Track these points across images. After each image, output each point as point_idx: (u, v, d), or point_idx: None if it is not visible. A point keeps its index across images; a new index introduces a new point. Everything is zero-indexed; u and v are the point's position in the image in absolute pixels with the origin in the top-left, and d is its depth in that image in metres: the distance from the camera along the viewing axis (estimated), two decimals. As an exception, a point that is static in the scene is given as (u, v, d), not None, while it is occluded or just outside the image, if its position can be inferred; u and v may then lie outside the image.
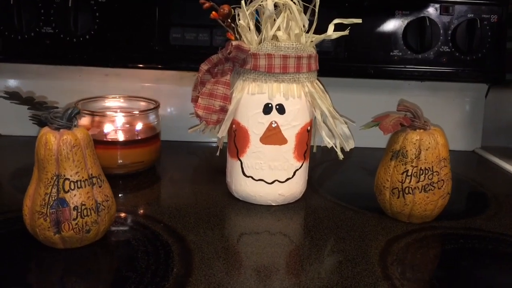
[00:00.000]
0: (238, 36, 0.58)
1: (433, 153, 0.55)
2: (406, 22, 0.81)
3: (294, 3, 0.56)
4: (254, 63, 0.56)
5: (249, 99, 0.57)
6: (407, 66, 0.82)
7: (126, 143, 0.68)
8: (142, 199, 0.63)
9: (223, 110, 0.58)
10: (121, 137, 0.68)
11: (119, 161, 0.67)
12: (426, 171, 0.56)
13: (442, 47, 0.82)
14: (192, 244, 0.50)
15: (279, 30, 0.56)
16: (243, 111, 0.58)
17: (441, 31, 0.81)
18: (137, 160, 0.68)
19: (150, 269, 0.45)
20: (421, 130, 0.57)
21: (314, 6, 0.57)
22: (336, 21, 0.57)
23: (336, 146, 0.60)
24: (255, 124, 0.58)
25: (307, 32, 0.58)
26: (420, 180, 0.56)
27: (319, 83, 0.60)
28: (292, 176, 0.60)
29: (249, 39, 0.57)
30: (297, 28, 0.55)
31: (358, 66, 0.82)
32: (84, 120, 0.67)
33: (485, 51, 0.82)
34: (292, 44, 0.56)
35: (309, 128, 0.60)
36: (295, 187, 0.61)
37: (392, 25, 0.81)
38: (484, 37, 0.81)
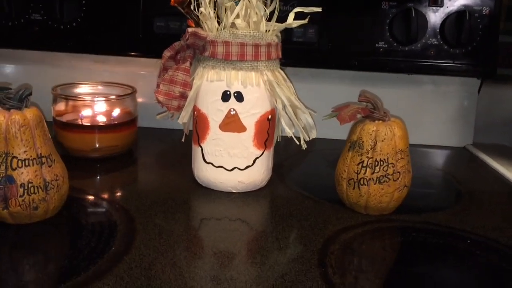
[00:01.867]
0: (201, 24, 0.58)
1: (388, 144, 0.55)
2: (392, 13, 0.79)
3: (254, -9, 0.56)
4: (212, 50, 0.56)
5: (208, 86, 0.58)
6: (392, 58, 0.81)
7: (101, 127, 0.70)
8: (108, 182, 0.64)
9: (183, 96, 0.59)
10: (96, 121, 0.70)
11: (95, 145, 0.69)
12: (381, 163, 0.55)
13: (430, 39, 0.80)
14: (139, 225, 0.51)
15: (238, 17, 0.56)
16: (203, 98, 0.59)
17: (429, 23, 0.79)
18: (112, 144, 0.70)
19: (90, 246, 0.47)
20: (380, 122, 0.56)
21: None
22: (297, 9, 0.57)
23: (294, 136, 0.60)
24: (214, 111, 0.58)
25: (269, 20, 0.58)
26: (375, 171, 0.55)
27: (281, 72, 0.60)
28: (252, 164, 0.60)
29: (210, 27, 0.57)
30: (255, 16, 0.55)
31: (342, 58, 0.81)
32: (60, 105, 0.69)
33: (475, 44, 0.80)
34: (250, 32, 0.56)
35: (269, 117, 0.60)
36: (256, 175, 0.61)
37: (377, 16, 0.79)
38: (475, 30, 0.79)
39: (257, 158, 0.60)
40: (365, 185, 0.55)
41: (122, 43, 0.81)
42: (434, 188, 0.70)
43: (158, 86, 0.61)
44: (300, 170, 0.73)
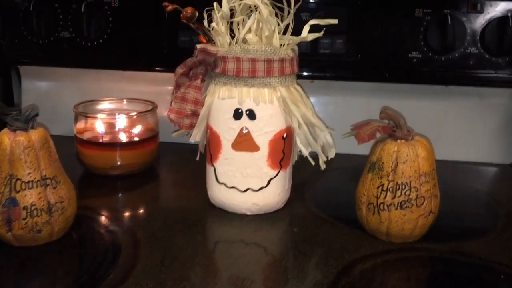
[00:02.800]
0: (213, 39, 0.56)
1: (411, 166, 0.50)
2: (427, 20, 0.74)
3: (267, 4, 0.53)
4: (223, 67, 0.54)
5: (220, 104, 0.56)
6: (428, 69, 0.75)
7: (122, 145, 0.69)
8: (122, 201, 0.63)
9: (195, 114, 0.57)
10: (116, 138, 0.69)
11: (116, 163, 0.68)
12: (403, 187, 0.50)
13: (469, 48, 0.74)
14: (144, 250, 0.50)
15: (250, 32, 0.54)
16: (215, 116, 0.57)
17: (467, 31, 0.73)
18: (133, 162, 0.69)
19: (88, 272, 0.45)
20: (402, 141, 0.51)
21: (290, 7, 0.54)
22: (312, 22, 0.54)
23: (309, 156, 0.56)
24: (226, 129, 0.56)
25: (285, 33, 0.55)
26: (396, 196, 0.50)
27: (298, 88, 0.57)
28: (267, 185, 0.57)
29: (222, 42, 0.55)
30: (267, 30, 0.53)
31: (372, 69, 0.77)
32: (81, 122, 0.69)
33: (520, 52, 0.73)
34: (262, 47, 0.53)
35: (285, 135, 0.57)
36: (271, 197, 0.58)
37: (410, 23, 0.74)
38: (519, 37, 0.72)
39: (271, 178, 0.57)
40: (386, 210, 0.51)
41: (147, 59, 0.80)
42: (468, 211, 0.64)
43: (170, 103, 0.59)
44: (321, 189, 0.69)
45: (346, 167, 0.74)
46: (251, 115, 0.55)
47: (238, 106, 0.55)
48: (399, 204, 0.50)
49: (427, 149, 0.51)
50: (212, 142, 0.58)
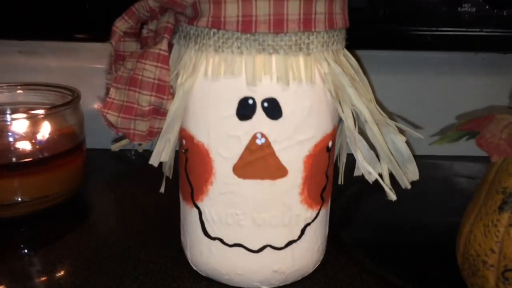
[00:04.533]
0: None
1: None
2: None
3: None
4: (215, 14, 0.27)
5: (208, 89, 0.28)
6: (483, 30, 0.52)
7: (23, 166, 0.40)
8: (27, 268, 0.34)
9: (158, 111, 0.29)
10: (11, 153, 0.40)
11: (13, 197, 0.39)
12: None
13: (542, -3, 0.51)
14: None
15: None
16: (199, 114, 0.29)
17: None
18: (43, 194, 0.40)
19: None
20: None
21: None
22: None
23: (383, 179, 0.31)
24: (222, 139, 0.29)
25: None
26: None
27: (349, 56, 0.31)
28: (299, 237, 0.31)
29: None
30: None
31: (406, 31, 0.52)
32: None
33: None
34: (294, -31, 0.26)
35: (330, 144, 0.31)
36: (305, 257, 0.32)
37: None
38: None
39: (307, 224, 0.31)
40: (548, 284, 0.27)
41: (57, 21, 0.50)
42: None
43: (107, 92, 0.31)
44: (375, 222, 0.43)
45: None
46: (273, 109, 0.28)
47: (246, 93, 0.28)
48: None
49: None
50: (194, 163, 0.30)
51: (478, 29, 0.52)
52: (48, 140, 0.41)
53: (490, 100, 0.58)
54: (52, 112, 0.41)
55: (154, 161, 0.30)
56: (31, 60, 0.55)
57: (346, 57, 0.31)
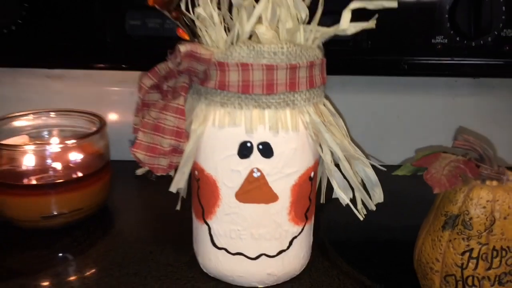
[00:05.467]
0: (199, 34, 0.36)
1: (515, 223, 0.34)
2: (454, -5, 0.57)
3: (285, -23, 0.34)
4: (221, 79, 0.34)
5: (216, 135, 0.36)
6: (455, 59, 0.59)
7: (58, 185, 0.47)
8: (59, 275, 0.42)
9: (176, 150, 0.37)
10: (51, 176, 0.48)
11: (50, 212, 0.47)
12: (503, 253, 0.34)
13: (505, 30, 0.58)
14: None
15: (261, 22, 0.34)
16: (208, 153, 0.37)
17: (503, 8, 0.58)
18: (75, 208, 0.48)
19: None
20: (494, 183, 0.35)
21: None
22: (355, 4, 0.35)
23: (352, 205, 0.39)
24: (226, 172, 0.37)
25: (308, 23, 0.36)
26: (493, 266, 0.34)
27: (327, 103, 0.39)
28: (288, 248, 0.39)
29: (214, 39, 0.35)
30: (289, 19, 0.33)
31: (387, 60, 0.60)
32: (-8, 154, 0.47)
33: None
34: (282, 48, 0.34)
35: (312, 174, 0.38)
36: (293, 262, 0.40)
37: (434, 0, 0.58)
38: None
39: (294, 237, 0.39)
40: (476, 287, 0.35)
41: (82, 52, 0.58)
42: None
43: (135, 130, 0.39)
44: (355, 233, 0.51)
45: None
46: (266, 150, 0.36)
47: (245, 138, 0.35)
48: (496, 279, 0.34)
49: (532, 193, 0.35)
50: (204, 190, 0.38)
51: (449, 58, 0.59)
52: (80, 162, 0.49)
53: (462, 120, 0.66)
54: (84, 141, 0.49)
55: (173, 188, 0.38)
56: (57, 83, 0.63)
57: (326, 105, 0.38)
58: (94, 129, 0.51)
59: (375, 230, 0.50)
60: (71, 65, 0.60)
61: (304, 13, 0.34)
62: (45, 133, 0.54)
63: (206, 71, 0.35)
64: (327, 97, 0.39)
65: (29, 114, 0.53)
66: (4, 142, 0.49)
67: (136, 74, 0.59)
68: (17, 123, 0.53)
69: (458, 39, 0.58)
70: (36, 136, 0.54)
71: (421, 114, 0.66)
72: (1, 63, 0.58)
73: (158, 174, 0.38)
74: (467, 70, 0.61)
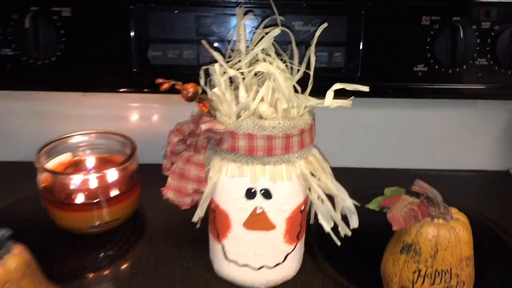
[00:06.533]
0: (214, 107, 0.46)
1: (453, 253, 0.45)
2: (434, 30, 0.66)
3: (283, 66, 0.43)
4: (232, 144, 0.45)
5: (228, 182, 0.47)
6: (433, 84, 0.68)
7: (98, 203, 0.59)
8: (102, 274, 0.54)
9: (198, 192, 0.48)
10: (92, 194, 0.59)
11: (93, 223, 0.59)
12: (444, 274, 0.46)
13: (479, 59, 0.67)
14: None
15: (263, 101, 0.44)
16: (222, 194, 0.48)
17: (477, 40, 0.66)
18: (113, 218, 0.60)
19: None
20: (440, 221, 0.46)
21: (308, 68, 0.44)
22: (337, 86, 0.45)
23: (332, 233, 0.50)
24: (236, 209, 0.48)
25: (302, 92, 0.46)
26: (435, 283, 0.46)
27: (315, 153, 0.49)
28: (283, 261, 0.51)
29: (227, 112, 0.45)
30: (284, 101, 0.43)
31: (375, 85, 0.69)
32: (46, 176, 0.58)
33: (531, 63, 0.67)
34: (279, 123, 0.44)
35: (303, 208, 0.50)
36: (287, 271, 0.52)
37: (417, 34, 0.66)
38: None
39: (288, 254, 0.51)
40: (423, 297, 0.46)
41: (111, 78, 0.68)
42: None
43: (166, 169, 0.50)
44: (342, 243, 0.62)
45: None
46: (267, 194, 0.47)
47: (250, 186, 0.46)
48: (437, 292, 0.46)
49: (468, 230, 0.46)
50: (219, 219, 0.50)
51: (429, 84, 0.68)
52: (116, 182, 0.60)
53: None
54: (120, 167, 0.60)
55: (195, 219, 0.49)
56: (90, 99, 0.73)
57: (314, 155, 0.49)
58: (126, 150, 0.62)
59: (361, 240, 0.62)
60: (101, 90, 0.70)
61: (295, 102, 0.44)
62: (87, 151, 0.65)
63: (221, 137, 0.45)
64: (315, 146, 0.50)
65: (74, 136, 0.64)
66: (53, 160, 0.61)
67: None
68: (65, 144, 0.64)
69: (437, 67, 0.67)
70: (76, 153, 0.65)
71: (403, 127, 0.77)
72: (44, 88, 0.69)
73: (183, 209, 0.49)
74: (445, 94, 0.70)
